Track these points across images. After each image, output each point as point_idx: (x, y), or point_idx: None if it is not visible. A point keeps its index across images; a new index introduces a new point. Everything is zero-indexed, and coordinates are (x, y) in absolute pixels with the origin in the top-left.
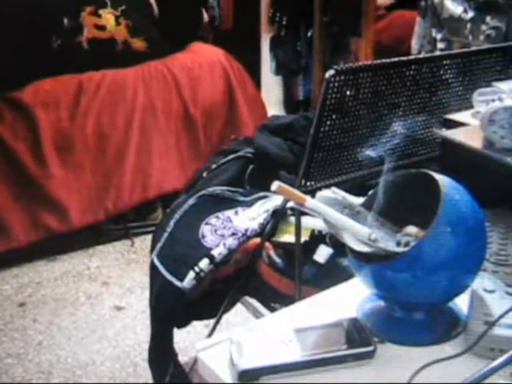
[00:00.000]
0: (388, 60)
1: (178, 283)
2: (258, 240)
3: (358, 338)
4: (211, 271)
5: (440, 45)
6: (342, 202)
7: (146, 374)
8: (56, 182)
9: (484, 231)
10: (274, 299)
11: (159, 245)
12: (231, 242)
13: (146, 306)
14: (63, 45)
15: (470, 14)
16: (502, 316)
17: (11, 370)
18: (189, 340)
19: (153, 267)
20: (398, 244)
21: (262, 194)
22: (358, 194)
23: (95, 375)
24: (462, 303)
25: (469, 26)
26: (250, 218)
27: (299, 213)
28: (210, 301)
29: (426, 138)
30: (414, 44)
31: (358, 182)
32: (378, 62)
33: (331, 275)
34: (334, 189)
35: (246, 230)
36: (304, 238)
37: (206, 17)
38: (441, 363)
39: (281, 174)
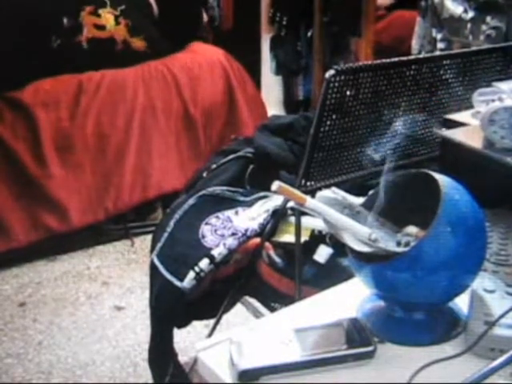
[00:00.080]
0: (388, 60)
1: (177, 283)
2: (257, 240)
3: (358, 338)
4: (211, 271)
5: (440, 45)
6: (341, 202)
7: (146, 374)
8: (56, 182)
9: (484, 231)
10: (274, 299)
11: (159, 245)
12: (231, 241)
13: (145, 306)
14: (63, 44)
15: (470, 14)
16: (502, 316)
17: (11, 370)
18: (189, 340)
19: (153, 267)
20: (398, 244)
21: (262, 193)
22: (357, 194)
23: (95, 375)
24: (462, 303)
25: (469, 25)
26: (250, 218)
27: (299, 213)
28: (210, 301)
29: (426, 138)
30: (414, 44)
31: (357, 182)
32: (378, 62)
33: (331, 275)
34: (333, 189)
35: (246, 230)
36: (304, 238)
37: (205, 17)
38: (441, 363)
39: (281, 174)
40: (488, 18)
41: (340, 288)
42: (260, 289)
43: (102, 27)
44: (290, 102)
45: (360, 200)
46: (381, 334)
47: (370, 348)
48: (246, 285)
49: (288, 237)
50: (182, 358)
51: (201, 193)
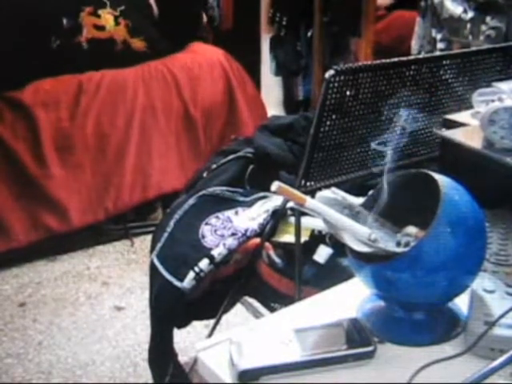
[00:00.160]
0: (388, 60)
1: (177, 283)
2: (257, 240)
3: (358, 338)
4: (211, 271)
5: (440, 45)
6: (341, 202)
7: (146, 374)
8: (56, 182)
9: (484, 231)
10: (274, 299)
11: (159, 245)
12: (231, 242)
13: (145, 306)
14: (63, 45)
15: (470, 14)
16: (501, 316)
17: (11, 370)
18: (189, 340)
19: (153, 267)
20: (398, 244)
21: (261, 194)
22: (357, 194)
23: (95, 375)
24: (462, 303)
25: (469, 26)
26: (249, 218)
27: (299, 213)
28: (210, 301)
29: (426, 138)
30: (414, 44)
31: (357, 182)
32: (378, 62)
33: (331, 275)
34: (333, 189)
35: (246, 230)
36: (304, 238)
37: (204, 17)
38: (441, 363)
39: (281, 174)
40: (488, 18)
41: (340, 288)
42: (260, 289)
43: (101, 28)
44: (289, 103)
45: (360, 200)
46: (381, 334)
47: (370, 348)
48: (245, 285)
49: (288, 237)
50: (182, 358)
51: (201, 193)
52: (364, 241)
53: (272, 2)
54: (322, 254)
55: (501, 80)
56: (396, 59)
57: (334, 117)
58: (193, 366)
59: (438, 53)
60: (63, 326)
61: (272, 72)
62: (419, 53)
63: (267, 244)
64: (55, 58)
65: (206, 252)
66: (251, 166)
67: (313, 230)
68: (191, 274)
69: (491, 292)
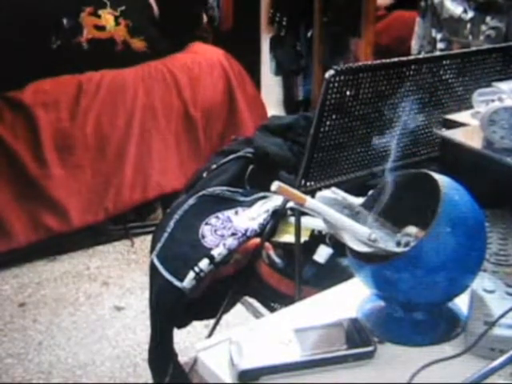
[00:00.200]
0: (388, 60)
1: (177, 283)
2: (257, 240)
3: (358, 338)
4: (211, 271)
5: (440, 45)
6: (341, 202)
7: (146, 374)
8: (56, 182)
9: (484, 231)
10: (274, 299)
11: (159, 245)
12: (231, 242)
13: (145, 306)
14: (63, 45)
15: (470, 15)
16: (501, 316)
17: (11, 370)
18: (189, 340)
19: (153, 267)
20: (398, 244)
21: (261, 194)
22: (357, 194)
23: (95, 375)
24: (462, 303)
25: (469, 26)
26: (249, 218)
27: (299, 213)
28: (210, 301)
29: (426, 138)
30: (414, 44)
31: (357, 182)
32: (378, 62)
33: (331, 275)
34: (333, 189)
35: (246, 230)
36: (304, 238)
37: (204, 17)
38: (441, 363)
39: (281, 174)
40: (488, 19)
41: (340, 288)
42: (260, 289)
43: (102, 28)
44: (289, 103)
45: (360, 200)
46: (381, 334)
47: (370, 348)
48: (245, 285)
49: (288, 237)
50: (182, 358)
51: (201, 193)
52: (364, 241)
53: (272, 2)
54: (322, 253)
55: (501, 80)
56: (396, 59)
57: (334, 117)
58: (193, 366)
59: (437, 53)
60: (63, 326)
61: (272, 72)
62: (419, 53)
63: (267, 244)
64: (55, 58)
65: (205, 252)
66: (251, 166)
67: (313, 230)
68: (191, 274)
69: (491, 292)
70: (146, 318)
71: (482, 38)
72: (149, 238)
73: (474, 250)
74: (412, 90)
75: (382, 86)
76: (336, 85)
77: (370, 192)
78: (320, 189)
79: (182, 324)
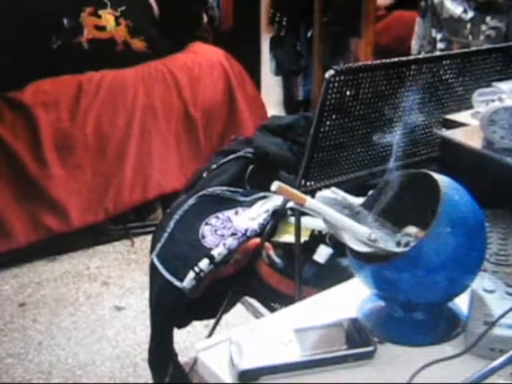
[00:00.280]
0: (388, 60)
1: (177, 283)
2: (257, 240)
3: (358, 338)
4: (211, 271)
5: (440, 45)
6: (341, 202)
7: (146, 374)
8: (56, 182)
9: (484, 231)
10: (274, 299)
11: (159, 245)
12: (231, 242)
13: (145, 306)
14: (63, 45)
15: (470, 14)
16: (501, 316)
17: (11, 370)
18: (189, 340)
19: (153, 267)
20: (398, 244)
21: (261, 194)
22: (357, 194)
23: (95, 375)
24: (462, 303)
25: (469, 26)
26: (249, 218)
27: (299, 213)
28: (210, 301)
29: (426, 138)
30: (414, 44)
31: (357, 182)
32: (378, 62)
33: (331, 275)
34: (333, 189)
35: (246, 230)
36: (304, 238)
37: (204, 17)
38: (441, 363)
39: (281, 174)
40: (488, 18)
41: (340, 288)
42: (260, 289)
43: (102, 28)
44: (289, 103)
45: (360, 200)
46: (381, 334)
47: (370, 348)
48: (245, 285)
49: (288, 237)
50: (182, 359)
51: (201, 193)
52: (364, 241)
53: (272, 1)
54: (322, 253)
55: (501, 80)
56: (396, 59)
57: (334, 117)
58: (193, 366)
59: (437, 53)
60: (63, 326)
61: (272, 72)
62: (419, 53)
63: (267, 244)
64: (55, 59)
65: (205, 252)
66: (251, 166)
67: (313, 230)
68: (191, 274)
69: (491, 292)
70: (146, 317)
71: (482, 37)
72: (149, 238)
73: (474, 250)
74: (412, 90)
75: (382, 86)
76: (336, 85)
77: (370, 192)
78: (320, 189)
79: (182, 324)
